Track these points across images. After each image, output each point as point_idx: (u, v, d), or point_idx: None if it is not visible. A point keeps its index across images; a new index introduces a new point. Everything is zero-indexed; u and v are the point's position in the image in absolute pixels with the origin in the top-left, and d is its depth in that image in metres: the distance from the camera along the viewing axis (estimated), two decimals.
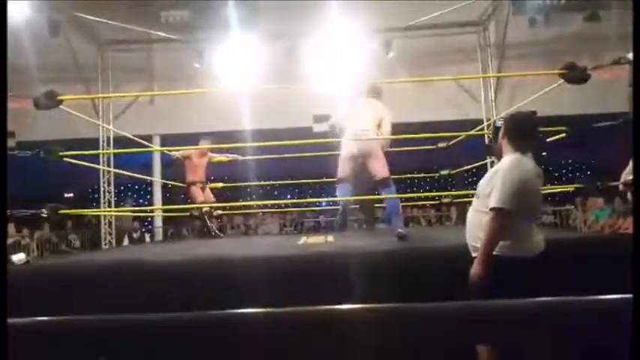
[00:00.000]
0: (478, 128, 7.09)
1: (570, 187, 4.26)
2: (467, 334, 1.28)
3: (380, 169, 4.62)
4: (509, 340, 1.25)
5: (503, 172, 2.44)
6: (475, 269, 2.39)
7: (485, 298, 2.10)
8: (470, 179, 13.79)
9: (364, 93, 5.23)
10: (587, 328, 0.99)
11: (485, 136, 5.89)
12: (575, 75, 3.94)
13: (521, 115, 2.66)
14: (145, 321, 1.39)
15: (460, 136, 6.25)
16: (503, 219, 2.36)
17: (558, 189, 4.44)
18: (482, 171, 11.78)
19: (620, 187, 5.94)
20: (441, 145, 6.38)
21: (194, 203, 6.44)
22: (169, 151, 7.17)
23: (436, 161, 7.58)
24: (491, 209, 2.38)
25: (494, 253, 2.39)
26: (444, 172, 7.06)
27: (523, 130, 2.56)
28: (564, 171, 19.09)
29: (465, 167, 7.19)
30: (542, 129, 4.55)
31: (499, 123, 2.66)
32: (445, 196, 7.90)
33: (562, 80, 4.09)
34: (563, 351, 1.35)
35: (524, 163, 2.48)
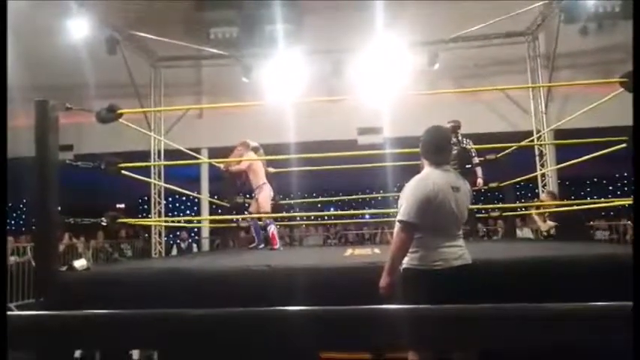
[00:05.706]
0: (528, 140, 6.91)
1: (629, 201, 4.09)
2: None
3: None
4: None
5: (408, 186, 2.52)
6: (382, 279, 2.46)
7: None
8: (519, 192, 13.39)
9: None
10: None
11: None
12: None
13: (433, 130, 2.65)
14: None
15: (509, 147, 6.12)
16: (406, 231, 2.44)
17: (615, 202, 4.27)
18: (531, 183, 11.52)
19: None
20: (489, 157, 6.26)
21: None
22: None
23: (485, 173, 7.40)
24: (398, 222, 2.48)
25: (405, 265, 2.49)
26: (492, 185, 6.90)
27: (434, 144, 2.60)
28: (619, 184, 18.33)
29: (514, 180, 7.00)
30: (598, 139, 4.42)
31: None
32: (492, 210, 7.72)
33: (618, 90, 3.96)
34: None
35: (432, 177, 2.50)
